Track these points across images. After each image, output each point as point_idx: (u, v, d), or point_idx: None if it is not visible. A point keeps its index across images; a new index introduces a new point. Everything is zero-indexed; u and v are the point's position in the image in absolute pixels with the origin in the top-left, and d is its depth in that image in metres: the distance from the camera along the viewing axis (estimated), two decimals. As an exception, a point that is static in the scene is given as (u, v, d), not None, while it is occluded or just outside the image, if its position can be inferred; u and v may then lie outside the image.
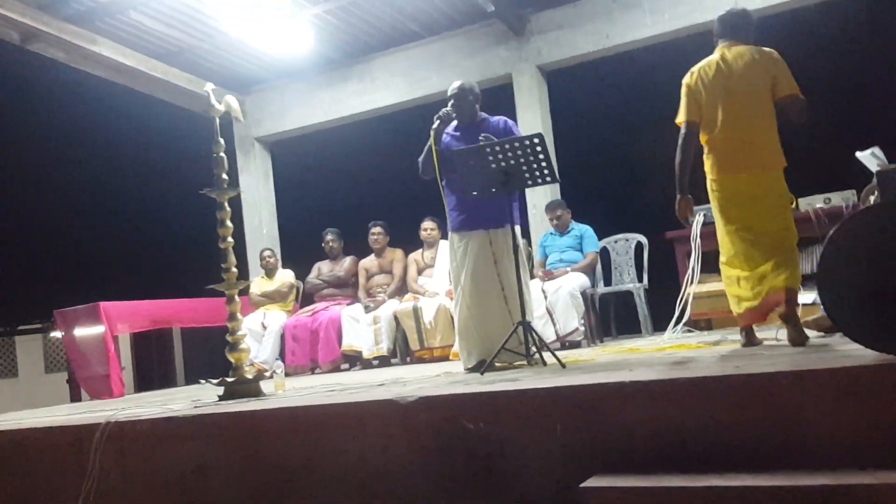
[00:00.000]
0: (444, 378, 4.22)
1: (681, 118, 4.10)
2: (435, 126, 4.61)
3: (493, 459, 2.84)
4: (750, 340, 4.01)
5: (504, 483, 2.81)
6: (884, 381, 2.37)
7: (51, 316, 7.74)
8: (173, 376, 11.96)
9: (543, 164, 4.18)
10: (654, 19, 7.10)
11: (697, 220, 5.98)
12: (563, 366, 3.92)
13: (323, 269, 7.69)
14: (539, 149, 4.14)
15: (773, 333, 4.24)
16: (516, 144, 4.17)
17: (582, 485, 2.49)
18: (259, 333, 7.24)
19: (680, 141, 4.09)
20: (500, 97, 7.66)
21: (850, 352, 2.76)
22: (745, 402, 2.51)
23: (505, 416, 2.86)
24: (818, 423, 2.41)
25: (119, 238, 15.48)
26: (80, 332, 7.21)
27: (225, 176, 4.63)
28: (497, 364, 4.38)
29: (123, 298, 7.57)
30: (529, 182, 4.29)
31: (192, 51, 8.00)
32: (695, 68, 4.09)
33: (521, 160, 4.17)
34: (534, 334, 4.22)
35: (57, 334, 7.64)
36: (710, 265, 6.11)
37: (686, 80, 4.09)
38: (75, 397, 7.71)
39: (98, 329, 7.03)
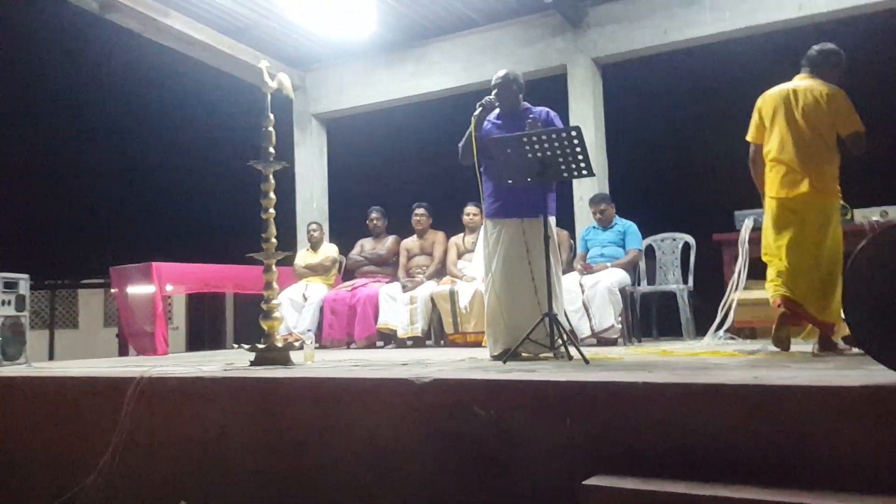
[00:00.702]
0: (467, 363, 4.26)
1: (748, 137, 4.51)
2: (476, 113, 4.64)
3: (500, 447, 2.87)
4: (780, 334, 4.20)
5: (509, 472, 2.84)
6: (899, 403, 2.31)
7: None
8: (223, 339, 12.22)
9: (580, 157, 4.16)
10: (715, 16, 6.96)
11: (746, 225, 5.91)
12: (587, 361, 3.91)
13: (365, 247, 7.79)
14: (576, 141, 4.13)
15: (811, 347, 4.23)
16: (553, 136, 4.16)
17: (584, 482, 2.50)
18: (300, 304, 7.39)
19: (749, 157, 4.54)
20: (553, 88, 7.63)
21: (878, 371, 2.68)
22: (757, 412, 2.47)
23: (516, 405, 2.89)
24: (830, 440, 2.36)
25: (181, 203, 15.86)
26: (132, 289, 7.44)
27: (272, 150, 4.74)
28: (523, 354, 4.40)
29: (181, 260, 7.78)
30: (565, 174, 4.29)
31: (258, 27, 8.13)
32: (767, 93, 4.42)
33: (558, 152, 4.17)
34: (560, 327, 4.22)
35: (115, 291, 7.90)
36: (758, 271, 6.03)
37: (758, 102, 4.45)
38: (123, 352, 7.95)
39: (149, 288, 7.25)
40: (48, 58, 14.70)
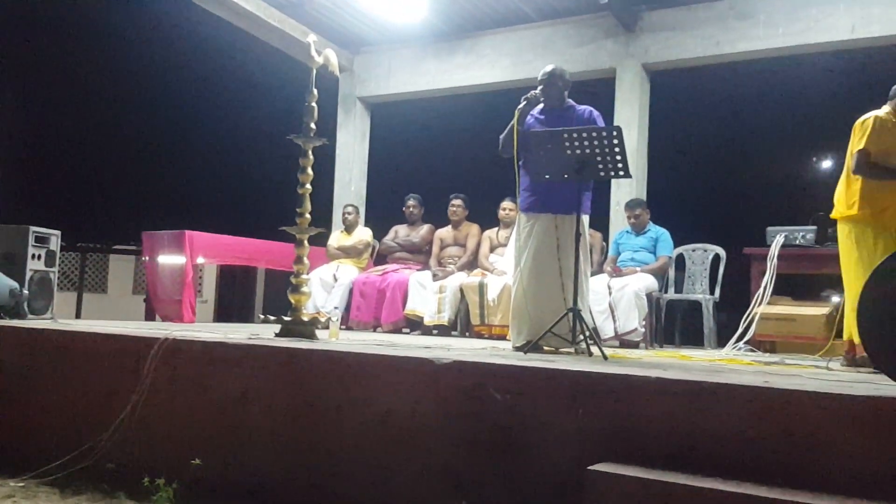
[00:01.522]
0: (489, 351, 4.31)
1: None
2: (521, 106, 4.68)
3: (513, 431, 2.91)
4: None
5: (520, 454, 2.88)
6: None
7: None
8: (252, 314, 12.33)
9: (618, 157, 4.19)
10: (768, 32, 6.93)
11: (777, 241, 5.92)
12: (606, 358, 3.95)
13: (400, 233, 7.86)
14: (616, 141, 4.16)
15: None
16: (594, 134, 4.20)
17: (590, 467, 2.56)
18: (330, 284, 7.47)
19: None
20: (601, 90, 7.64)
21: (888, 387, 2.68)
22: (764, 414, 2.50)
23: (532, 391, 2.93)
24: (834, 447, 2.38)
25: (219, 174, 16.03)
26: (164, 255, 7.46)
27: (313, 125, 4.78)
28: (545, 347, 4.45)
29: (214, 231, 7.83)
30: (602, 174, 4.32)
31: (310, 4, 8.16)
32: None
33: (597, 150, 4.20)
34: (583, 323, 4.25)
35: (146, 258, 7.93)
36: (784, 287, 6.05)
37: None
38: (150, 318, 8.05)
39: (180, 255, 7.27)
40: (90, 18, 14.86)
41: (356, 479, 3.23)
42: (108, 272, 15.70)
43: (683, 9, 7.37)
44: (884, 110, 4.34)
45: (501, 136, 4.77)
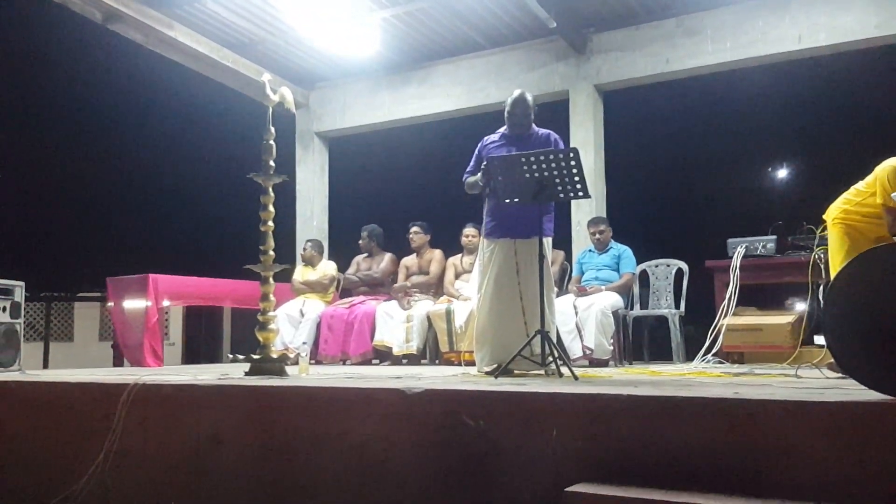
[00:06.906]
0: (460, 378, 4.31)
1: None
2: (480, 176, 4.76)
3: (488, 456, 2.91)
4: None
5: (496, 481, 2.88)
6: (877, 421, 2.37)
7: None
8: (220, 354, 12.20)
9: (576, 178, 4.24)
10: (716, 48, 7.09)
11: (738, 252, 5.99)
12: (576, 378, 3.97)
13: (361, 265, 7.83)
14: (573, 163, 4.21)
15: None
16: (551, 157, 4.25)
17: (566, 489, 2.56)
18: (297, 320, 7.40)
19: None
20: (555, 112, 7.73)
21: (856, 392, 2.71)
22: (737, 426, 2.53)
23: (504, 415, 2.93)
24: (807, 455, 2.41)
25: (181, 217, 15.94)
26: (128, 299, 7.37)
27: (272, 163, 4.79)
28: (515, 371, 4.46)
29: (179, 273, 7.75)
30: (561, 195, 4.36)
31: (262, 44, 8.26)
32: None
33: (555, 172, 4.25)
34: (552, 344, 4.28)
35: (112, 304, 7.82)
36: (748, 298, 6.12)
37: None
38: (118, 363, 7.93)
39: (144, 299, 7.20)
40: (49, 66, 14.80)
41: (333, 515, 3.21)
42: (73, 320, 15.45)
43: (631, 29, 7.50)
44: None
45: (466, 181, 4.88)
